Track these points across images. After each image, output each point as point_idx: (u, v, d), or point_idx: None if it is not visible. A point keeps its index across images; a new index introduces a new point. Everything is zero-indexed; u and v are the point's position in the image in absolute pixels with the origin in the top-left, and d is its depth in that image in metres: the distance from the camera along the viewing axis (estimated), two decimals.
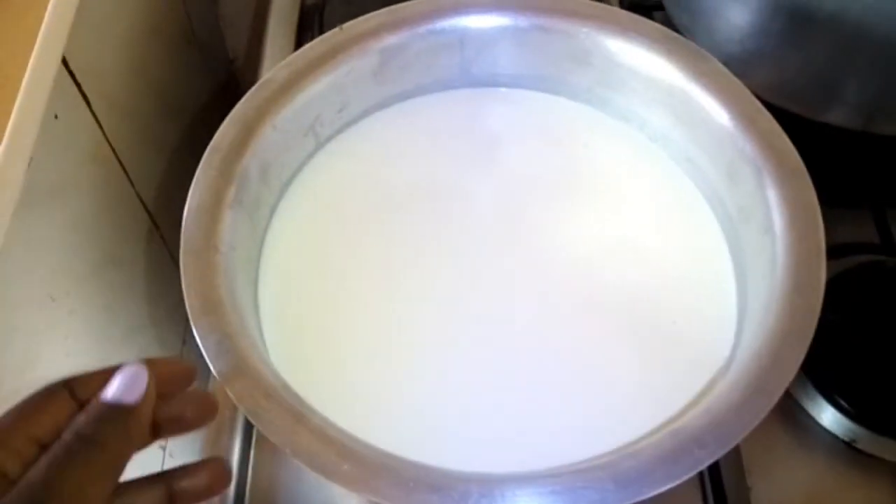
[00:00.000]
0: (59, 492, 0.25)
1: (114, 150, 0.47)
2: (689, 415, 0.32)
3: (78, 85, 0.42)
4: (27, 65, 0.38)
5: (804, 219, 0.35)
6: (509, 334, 0.37)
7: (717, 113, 0.39)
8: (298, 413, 0.30)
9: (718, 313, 0.38)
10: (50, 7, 0.40)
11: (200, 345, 0.30)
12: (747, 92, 0.39)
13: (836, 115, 0.45)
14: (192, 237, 0.34)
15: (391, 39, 0.41)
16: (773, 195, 0.36)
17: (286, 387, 0.31)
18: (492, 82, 0.45)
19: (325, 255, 0.39)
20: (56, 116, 0.39)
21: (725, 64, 0.40)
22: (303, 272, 0.39)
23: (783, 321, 0.33)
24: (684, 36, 0.44)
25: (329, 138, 0.43)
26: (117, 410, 0.27)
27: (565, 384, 0.36)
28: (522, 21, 0.42)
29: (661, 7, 0.55)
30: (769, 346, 0.32)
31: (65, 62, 0.40)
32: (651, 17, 0.56)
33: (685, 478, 0.29)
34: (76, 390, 0.28)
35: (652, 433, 0.33)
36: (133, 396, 0.27)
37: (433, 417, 0.34)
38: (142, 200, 0.52)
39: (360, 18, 0.42)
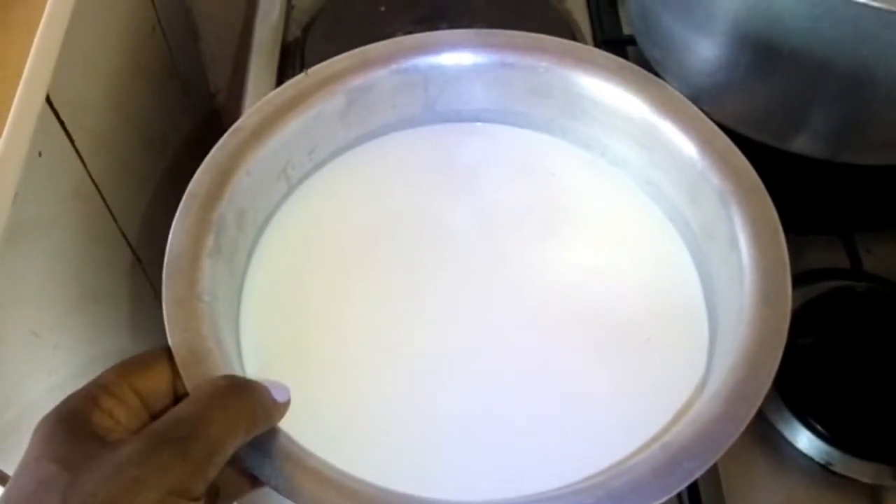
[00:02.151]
0: (205, 430, 0.26)
1: (97, 186, 0.48)
2: (676, 428, 0.33)
3: (61, 122, 0.43)
4: (11, 102, 0.39)
5: (766, 232, 0.36)
6: (491, 360, 0.37)
7: (675, 136, 0.40)
8: (295, 455, 0.30)
9: (690, 328, 0.38)
10: (34, 45, 0.41)
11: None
12: (701, 114, 0.40)
13: (804, 145, 0.46)
14: (174, 287, 0.34)
15: (355, 81, 0.42)
16: (735, 212, 0.37)
17: (279, 430, 0.31)
18: (456, 118, 0.46)
19: (304, 296, 0.39)
20: (40, 154, 0.40)
21: (695, 97, 0.41)
22: (283, 315, 0.39)
23: (755, 330, 0.33)
24: (655, 70, 0.45)
25: (301, 181, 0.43)
26: (264, 394, 0.30)
27: (549, 406, 0.36)
28: (483, 57, 0.43)
29: (633, 42, 0.56)
30: (744, 355, 0.33)
31: (49, 100, 0.41)
32: (624, 53, 0.58)
33: (680, 488, 0.30)
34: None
35: (641, 449, 0.33)
36: (280, 397, 0.30)
37: (423, 449, 0.35)
38: (124, 235, 0.52)
39: (325, 63, 0.42)
